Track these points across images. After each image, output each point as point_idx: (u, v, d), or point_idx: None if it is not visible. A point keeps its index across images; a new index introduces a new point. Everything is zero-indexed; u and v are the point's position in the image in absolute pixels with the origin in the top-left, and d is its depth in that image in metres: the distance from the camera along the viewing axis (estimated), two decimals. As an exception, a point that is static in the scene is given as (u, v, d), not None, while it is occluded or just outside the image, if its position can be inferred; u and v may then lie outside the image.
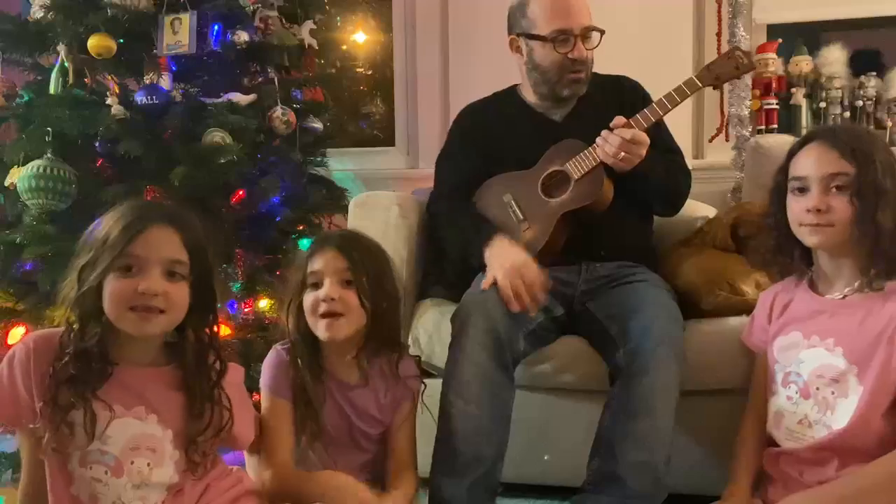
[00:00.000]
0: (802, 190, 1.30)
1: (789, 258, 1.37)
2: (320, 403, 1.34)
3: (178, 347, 1.16)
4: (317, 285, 1.33)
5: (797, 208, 1.30)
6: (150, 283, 1.07)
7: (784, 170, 1.35)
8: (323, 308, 1.30)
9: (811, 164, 1.29)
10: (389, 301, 1.37)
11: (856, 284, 1.29)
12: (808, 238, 1.30)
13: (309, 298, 1.33)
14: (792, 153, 1.34)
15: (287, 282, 1.42)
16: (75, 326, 1.08)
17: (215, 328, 1.19)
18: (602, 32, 1.79)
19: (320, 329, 1.31)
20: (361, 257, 1.34)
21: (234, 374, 1.22)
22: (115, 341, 1.11)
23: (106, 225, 1.11)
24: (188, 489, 1.15)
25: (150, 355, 1.15)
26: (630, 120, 1.67)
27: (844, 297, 1.30)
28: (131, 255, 1.07)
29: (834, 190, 1.26)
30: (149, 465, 1.10)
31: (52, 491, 1.08)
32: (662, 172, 1.75)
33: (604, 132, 1.67)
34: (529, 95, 1.90)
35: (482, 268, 1.62)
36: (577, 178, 1.71)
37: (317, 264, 1.33)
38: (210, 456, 1.18)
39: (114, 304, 1.07)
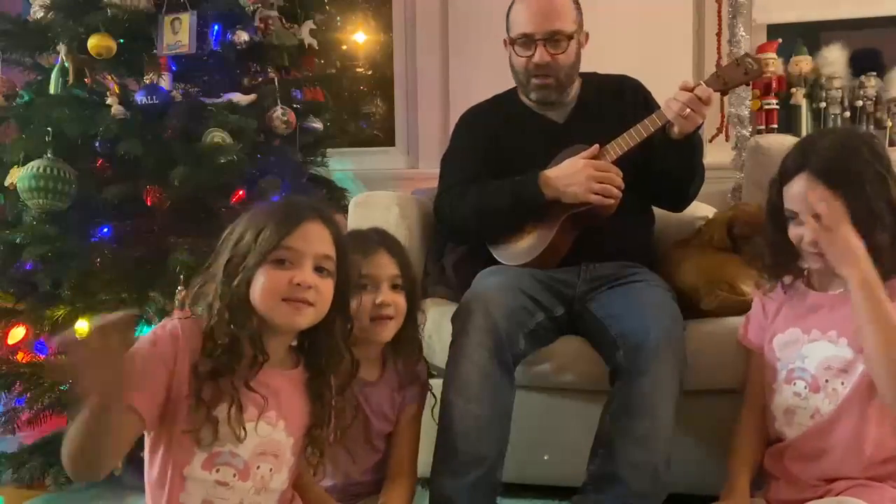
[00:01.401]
0: (796, 219, 1.31)
1: (784, 264, 1.38)
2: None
3: (305, 350, 1.17)
4: (365, 287, 1.34)
5: (794, 235, 1.32)
6: (305, 276, 1.08)
7: (778, 186, 1.35)
8: (377, 312, 1.34)
9: (801, 200, 1.29)
10: (418, 304, 1.43)
11: None
12: (808, 261, 1.33)
13: (363, 301, 1.33)
14: (784, 174, 1.34)
15: None
16: (227, 317, 1.06)
17: (349, 327, 1.20)
18: (571, 38, 1.76)
19: (371, 331, 1.34)
20: (406, 261, 1.40)
21: None
22: None
23: (251, 223, 1.11)
24: None
25: (279, 357, 1.14)
26: (639, 124, 1.68)
27: (843, 292, 1.30)
28: (287, 247, 1.08)
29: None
30: (270, 470, 1.11)
31: (168, 499, 1.06)
32: (702, 151, 1.77)
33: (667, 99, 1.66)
34: (526, 96, 1.90)
35: (538, 208, 1.69)
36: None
37: (370, 268, 1.36)
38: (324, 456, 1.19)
39: (267, 295, 1.07)
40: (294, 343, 1.19)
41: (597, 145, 1.70)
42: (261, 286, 1.07)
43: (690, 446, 1.61)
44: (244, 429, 1.06)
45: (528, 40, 1.77)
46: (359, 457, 1.40)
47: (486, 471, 1.42)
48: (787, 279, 1.41)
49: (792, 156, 1.34)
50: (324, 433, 1.16)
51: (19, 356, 2.04)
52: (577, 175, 1.66)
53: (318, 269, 1.11)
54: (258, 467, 1.09)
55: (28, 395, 1.96)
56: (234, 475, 1.07)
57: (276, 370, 1.13)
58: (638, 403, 1.42)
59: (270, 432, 1.10)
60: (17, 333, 2.05)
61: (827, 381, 1.30)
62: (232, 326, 1.06)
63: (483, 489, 1.43)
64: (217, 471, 1.07)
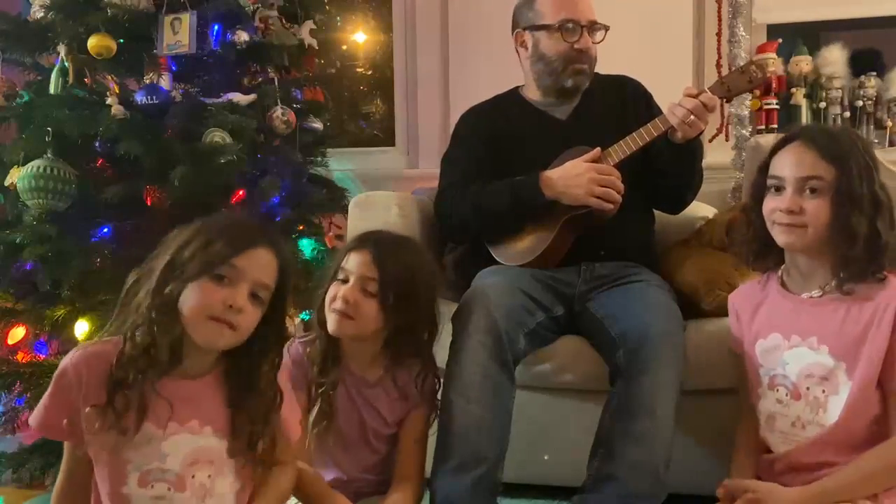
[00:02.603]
0: (778, 189, 1.30)
1: (764, 254, 1.37)
2: (331, 393, 1.36)
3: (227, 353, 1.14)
4: (345, 281, 1.35)
5: (772, 206, 1.30)
6: (237, 298, 1.06)
7: (765, 167, 1.34)
8: (337, 305, 1.33)
9: (788, 164, 1.29)
10: (417, 320, 1.38)
11: (831, 285, 1.29)
12: (779, 237, 1.30)
13: (332, 290, 1.36)
14: (773, 151, 1.33)
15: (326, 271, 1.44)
16: (152, 317, 1.06)
17: (275, 359, 1.17)
18: (607, 29, 1.80)
19: (330, 321, 1.35)
20: (395, 272, 1.34)
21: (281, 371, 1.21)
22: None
23: (200, 232, 1.09)
24: None
25: (203, 368, 1.13)
26: (642, 129, 1.68)
27: (821, 295, 1.30)
28: (232, 266, 1.07)
29: (808, 192, 1.26)
30: (209, 476, 1.10)
31: None
32: (701, 156, 1.78)
33: (671, 104, 1.66)
34: (532, 93, 1.90)
35: (538, 208, 1.68)
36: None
37: (349, 262, 1.36)
38: (271, 448, 1.17)
39: (196, 309, 1.06)
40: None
41: (598, 148, 1.70)
42: (193, 299, 1.06)
43: (690, 446, 1.60)
44: (144, 418, 1.06)
45: (575, 25, 1.78)
46: (354, 453, 1.40)
47: (487, 471, 1.42)
48: (763, 279, 1.40)
49: (783, 135, 1.34)
50: (251, 430, 1.13)
51: (19, 356, 2.04)
52: (578, 178, 1.66)
53: (253, 296, 1.09)
54: (193, 476, 1.09)
55: (28, 395, 1.96)
56: (169, 489, 1.08)
57: (195, 380, 1.12)
58: (638, 403, 1.43)
59: (196, 440, 1.10)
60: (17, 333, 2.04)
61: (808, 388, 1.29)
62: (154, 329, 1.06)
63: (483, 489, 1.42)
64: (152, 487, 1.07)
